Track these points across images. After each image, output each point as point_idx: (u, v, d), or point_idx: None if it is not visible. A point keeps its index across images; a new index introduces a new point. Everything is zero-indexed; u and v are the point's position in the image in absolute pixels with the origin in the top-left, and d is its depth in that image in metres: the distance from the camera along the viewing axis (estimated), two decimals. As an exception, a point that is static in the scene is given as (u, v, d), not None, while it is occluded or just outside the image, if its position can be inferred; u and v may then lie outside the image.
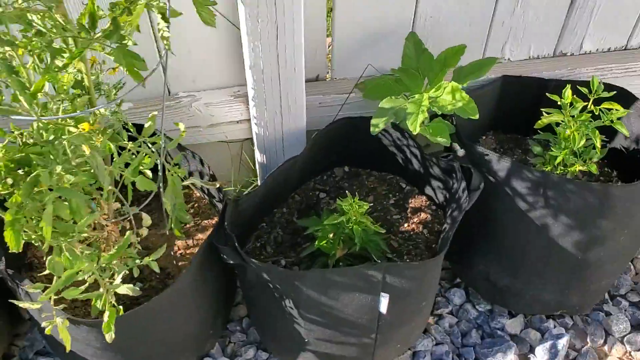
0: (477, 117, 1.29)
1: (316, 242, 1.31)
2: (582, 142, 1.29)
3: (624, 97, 1.53)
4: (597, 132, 1.29)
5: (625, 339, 1.54)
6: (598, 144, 1.29)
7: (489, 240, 1.49)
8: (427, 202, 1.52)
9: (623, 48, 1.66)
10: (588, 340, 1.54)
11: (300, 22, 1.22)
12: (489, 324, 1.58)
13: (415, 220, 1.50)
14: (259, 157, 1.50)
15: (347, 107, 1.55)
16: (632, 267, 1.70)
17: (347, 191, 1.55)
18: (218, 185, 1.29)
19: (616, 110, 1.30)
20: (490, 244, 1.49)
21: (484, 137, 1.69)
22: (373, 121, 1.35)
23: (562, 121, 1.32)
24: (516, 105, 1.64)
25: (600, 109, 1.30)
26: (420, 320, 1.41)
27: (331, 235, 1.30)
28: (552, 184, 1.30)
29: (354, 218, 1.26)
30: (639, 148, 1.53)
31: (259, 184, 1.62)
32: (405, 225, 1.50)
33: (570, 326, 1.57)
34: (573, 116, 1.31)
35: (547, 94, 1.52)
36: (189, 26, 1.27)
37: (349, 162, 1.60)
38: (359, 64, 1.53)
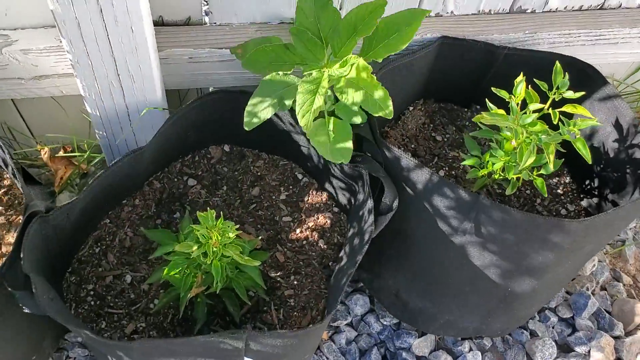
0: (391, 116, 0.91)
1: (164, 271, 0.95)
2: (532, 159, 0.94)
3: (589, 78, 1.18)
4: (551, 146, 0.94)
5: (549, 366, 1.30)
6: (551, 163, 0.94)
7: (402, 256, 1.17)
8: (328, 201, 1.17)
9: (599, 7, 1.28)
10: (506, 367, 1.30)
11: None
12: (393, 342, 1.30)
13: (310, 225, 1.15)
14: (99, 137, 1.08)
15: (234, 64, 1.13)
16: (566, 272, 1.44)
17: (224, 181, 1.17)
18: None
19: (581, 119, 0.95)
20: (402, 261, 1.17)
21: (411, 108, 1.32)
22: (250, 108, 0.96)
23: (506, 127, 0.96)
24: (455, 72, 1.26)
25: (560, 118, 0.95)
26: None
27: (185, 266, 0.94)
28: (482, 208, 0.96)
29: (215, 250, 0.90)
30: (595, 144, 1.21)
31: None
32: (298, 231, 1.15)
33: (488, 348, 1.32)
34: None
35: (495, 67, 1.17)
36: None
37: (230, 139, 1.20)
38: (252, 4, 1.09)
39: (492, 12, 1.23)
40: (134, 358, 0.85)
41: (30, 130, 1.36)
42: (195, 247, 0.89)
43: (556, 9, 1.25)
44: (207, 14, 1.10)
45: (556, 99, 0.97)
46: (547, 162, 0.97)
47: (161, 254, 0.97)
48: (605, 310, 1.40)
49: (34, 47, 1.04)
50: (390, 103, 0.90)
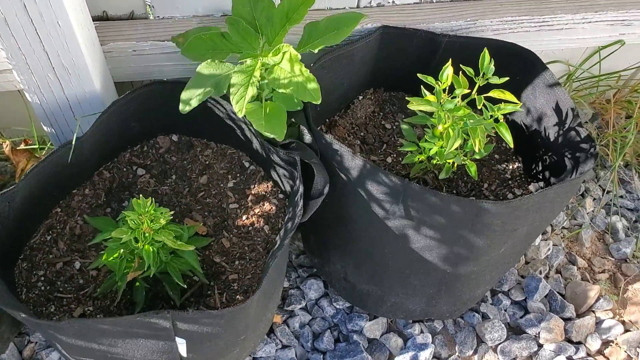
0: (319, 101, 0.94)
1: (103, 257, 0.99)
2: (457, 143, 0.97)
3: (530, 64, 1.20)
4: (477, 131, 0.96)
5: (499, 347, 1.33)
6: (477, 147, 0.97)
7: (345, 241, 1.20)
8: (274, 189, 1.20)
9: (543, -7, 1.29)
10: (456, 349, 1.32)
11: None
12: (346, 325, 1.34)
13: (256, 211, 1.19)
14: (46, 129, 1.12)
15: (179, 56, 1.16)
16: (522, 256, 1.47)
17: (173, 170, 1.21)
18: None
19: (505, 103, 0.97)
20: (346, 245, 1.21)
21: (360, 97, 1.34)
22: (184, 95, 0.99)
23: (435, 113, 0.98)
24: (400, 61, 1.28)
25: (484, 103, 0.97)
26: (247, 346, 1.14)
27: (121, 251, 0.98)
28: (412, 194, 0.99)
29: (147, 235, 0.94)
30: (539, 129, 1.23)
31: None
32: (244, 217, 1.18)
33: (439, 330, 1.35)
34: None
35: (438, 55, 1.19)
36: None
37: (178, 129, 1.23)
38: None
39: (434, 1, 1.25)
40: (68, 337, 0.89)
41: (-7, 124, 1.40)
42: (128, 233, 0.93)
43: (499, -5, 1.27)
44: (150, 8, 1.13)
45: (481, 85, 0.99)
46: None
47: (100, 240, 1.01)
48: (558, 292, 1.42)
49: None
50: (317, 87, 0.93)
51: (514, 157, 1.32)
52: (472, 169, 1.05)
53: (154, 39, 1.12)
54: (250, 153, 1.22)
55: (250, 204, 1.19)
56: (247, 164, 1.23)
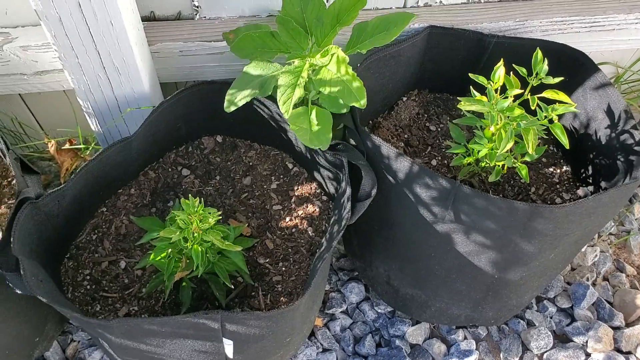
0: (363, 102, 0.92)
1: (151, 256, 0.99)
2: (509, 144, 0.94)
3: (580, 65, 1.17)
4: (531, 132, 0.94)
5: (544, 356, 1.29)
6: (530, 149, 0.94)
7: (390, 244, 1.18)
8: (317, 190, 1.19)
9: (592, -7, 1.26)
10: (501, 356, 1.29)
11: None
12: (387, 330, 1.32)
13: (300, 213, 1.18)
14: (93, 127, 1.12)
15: (224, 57, 1.16)
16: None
17: (217, 171, 1.21)
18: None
19: (559, 104, 0.95)
20: (390, 248, 1.19)
21: (404, 99, 1.33)
22: (230, 93, 0.99)
23: (486, 113, 0.96)
24: (447, 61, 1.26)
25: (538, 103, 0.94)
26: (291, 348, 1.13)
27: (169, 251, 0.98)
28: (463, 196, 0.97)
29: (196, 234, 0.93)
30: (589, 132, 1.20)
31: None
32: (288, 219, 1.17)
33: (483, 337, 1.32)
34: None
35: (486, 55, 1.17)
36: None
37: (222, 130, 1.23)
38: (239, -1, 1.13)
39: (481, 1, 1.23)
40: (116, 337, 0.89)
41: (39, 124, 1.42)
42: (177, 232, 0.93)
43: (549, -5, 1.24)
44: (196, 8, 1.14)
45: (534, 85, 0.97)
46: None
47: (148, 240, 1.01)
48: (606, 300, 1.38)
49: (32, 44, 1.09)
50: (364, 94, 0.92)
51: (561, 161, 1.29)
52: (524, 172, 1.02)
53: (200, 40, 1.12)
54: (294, 154, 1.21)
55: (293, 205, 1.19)
56: (290, 165, 1.22)
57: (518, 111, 0.93)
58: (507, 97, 0.96)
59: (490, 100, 0.96)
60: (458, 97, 1.35)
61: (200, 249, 0.94)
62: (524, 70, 0.97)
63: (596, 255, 1.43)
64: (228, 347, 0.94)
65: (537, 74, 0.97)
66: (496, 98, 0.95)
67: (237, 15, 1.16)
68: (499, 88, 0.98)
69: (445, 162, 1.25)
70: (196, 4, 1.13)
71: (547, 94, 0.96)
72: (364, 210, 1.00)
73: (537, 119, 0.94)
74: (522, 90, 0.97)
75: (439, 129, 1.31)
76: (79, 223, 1.12)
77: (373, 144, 1.03)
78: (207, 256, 0.96)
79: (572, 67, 1.18)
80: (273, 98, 1.05)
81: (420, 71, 1.28)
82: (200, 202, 0.93)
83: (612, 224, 1.51)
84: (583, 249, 1.44)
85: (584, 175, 1.24)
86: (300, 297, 0.89)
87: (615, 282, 1.42)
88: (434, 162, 1.25)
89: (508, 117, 0.94)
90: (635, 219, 1.52)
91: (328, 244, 0.98)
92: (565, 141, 0.94)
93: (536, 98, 0.95)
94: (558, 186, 1.26)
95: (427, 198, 1.01)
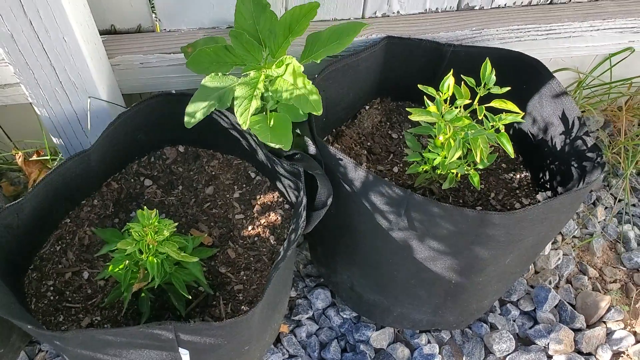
0: (320, 113, 0.94)
1: (109, 268, 1.00)
2: (458, 153, 0.97)
3: (536, 72, 1.19)
4: (479, 141, 0.96)
5: (507, 359, 1.32)
6: (478, 157, 0.96)
7: (351, 251, 1.20)
8: (280, 199, 1.21)
9: (548, 2, 1.29)
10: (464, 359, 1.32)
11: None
12: (353, 335, 1.33)
13: (262, 222, 1.19)
14: (55, 140, 1.14)
15: (185, 68, 1.17)
16: (530, 266, 1.46)
17: (179, 181, 1.22)
18: None
19: (507, 113, 0.97)
20: (352, 255, 1.21)
21: (367, 107, 1.35)
22: (189, 108, 1.00)
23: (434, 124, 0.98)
24: (406, 70, 1.29)
25: (485, 113, 0.97)
26: (252, 356, 1.14)
27: (126, 262, 0.99)
28: (415, 204, 0.99)
29: (151, 246, 0.95)
30: (546, 138, 1.22)
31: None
32: (250, 228, 1.19)
33: (446, 341, 1.34)
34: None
35: (444, 64, 1.20)
36: None
37: (184, 140, 1.24)
38: (200, 11, 1.13)
39: (439, 10, 1.25)
40: (72, 348, 0.90)
41: (7, 136, 1.43)
42: (132, 244, 0.94)
43: (504, 4, 1.26)
44: (157, 21, 1.15)
45: (482, 95, 0.99)
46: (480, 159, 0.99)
47: (106, 252, 1.02)
48: (568, 303, 1.41)
49: (-10, 57, 1.10)
50: (318, 99, 0.93)
51: (521, 167, 1.31)
52: (475, 179, 1.04)
53: (160, 52, 1.14)
54: (256, 164, 1.23)
55: (256, 214, 1.20)
56: (253, 175, 1.24)
57: (464, 121, 0.95)
58: (456, 107, 0.98)
59: (439, 111, 0.98)
60: (408, 108, 1.37)
61: (155, 261, 0.95)
62: (472, 80, 1.00)
63: (559, 259, 1.46)
64: (184, 356, 0.95)
65: (485, 84, 0.99)
66: (445, 108, 0.97)
67: (197, 27, 1.17)
68: (449, 98, 1.00)
69: (407, 169, 1.27)
70: (156, 16, 1.14)
71: (495, 103, 0.98)
72: (320, 219, 1.02)
73: (484, 128, 0.96)
74: (471, 100, 0.99)
75: (401, 137, 1.33)
76: (42, 234, 1.13)
77: (329, 153, 1.05)
78: (164, 267, 0.98)
79: (529, 74, 1.20)
80: (232, 110, 1.06)
81: (381, 80, 1.30)
82: (156, 214, 0.95)
83: (576, 226, 1.54)
84: (546, 252, 1.47)
85: (542, 180, 1.26)
86: (254, 307, 0.90)
87: (577, 285, 1.44)
88: (395, 170, 1.27)
89: (456, 127, 0.96)
90: (599, 222, 1.55)
91: (284, 254, 1.00)
92: (510, 150, 0.96)
93: (483, 108, 0.97)
94: (518, 191, 1.28)
95: (382, 206, 1.03)
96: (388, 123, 1.35)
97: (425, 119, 0.96)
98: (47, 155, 1.40)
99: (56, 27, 0.88)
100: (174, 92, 1.10)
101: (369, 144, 1.31)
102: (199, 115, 0.99)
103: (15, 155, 1.39)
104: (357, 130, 1.32)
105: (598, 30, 1.29)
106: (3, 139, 1.44)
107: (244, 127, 0.96)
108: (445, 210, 0.97)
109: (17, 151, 1.40)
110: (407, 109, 0.98)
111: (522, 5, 1.28)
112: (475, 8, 1.26)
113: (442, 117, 0.95)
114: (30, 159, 1.41)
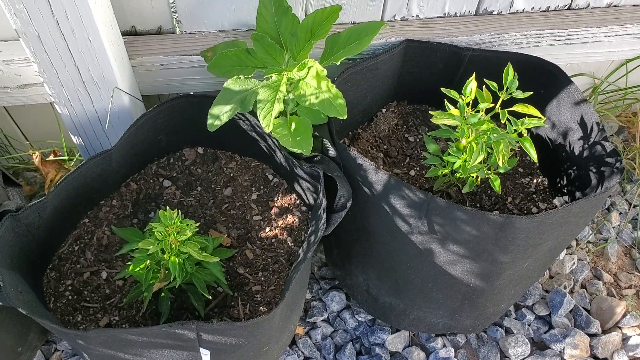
0: (345, 117, 0.95)
1: (130, 267, 1.00)
2: (480, 157, 0.97)
3: (554, 78, 1.20)
4: (501, 145, 0.96)
5: (522, 363, 1.32)
6: (501, 161, 0.97)
7: (368, 254, 1.20)
8: (297, 201, 1.21)
9: (566, 7, 1.29)
10: (479, 363, 1.32)
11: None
12: (368, 338, 1.33)
13: (280, 223, 1.20)
14: (75, 139, 1.14)
15: (205, 70, 1.18)
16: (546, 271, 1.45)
17: (198, 182, 1.23)
18: None
19: (529, 118, 0.97)
20: (369, 258, 1.21)
21: (384, 110, 1.35)
22: (213, 111, 1.01)
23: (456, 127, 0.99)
24: (424, 74, 1.29)
25: (507, 117, 0.97)
26: (269, 357, 1.15)
27: (148, 262, 0.99)
28: (436, 208, 0.99)
29: (173, 246, 0.95)
30: (564, 143, 1.22)
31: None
32: (268, 229, 1.19)
33: (461, 344, 1.34)
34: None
35: (463, 68, 1.20)
36: None
37: (203, 142, 1.25)
38: (220, 13, 1.14)
39: (457, 15, 1.26)
40: (94, 347, 0.90)
41: (24, 136, 1.44)
42: (154, 244, 0.94)
43: (523, 10, 1.27)
44: (177, 23, 1.16)
45: (504, 99, 0.99)
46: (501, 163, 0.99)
47: (127, 251, 1.03)
48: (583, 308, 1.40)
49: (15, 58, 1.10)
50: (343, 103, 0.94)
51: (538, 171, 1.31)
52: (496, 183, 1.05)
53: (180, 53, 1.14)
54: (274, 165, 1.23)
55: (273, 216, 1.20)
56: (270, 177, 1.24)
57: (487, 125, 0.95)
58: (478, 111, 0.99)
59: (461, 114, 0.98)
60: (431, 111, 1.37)
61: (177, 261, 0.96)
62: (495, 84, 1.00)
63: (574, 263, 1.46)
64: (205, 356, 0.95)
65: (507, 88, 1.00)
66: (467, 112, 0.98)
67: (217, 30, 1.18)
68: (471, 102, 1.00)
69: (424, 172, 1.27)
70: (177, 17, 1.15)
71: (517, 107, 0.99)
72: (340, 221, 1.02)
73: (507, 132, 0.97)
74: (494, 104, 0.99)
75: (418, 140, 1.33)
76: (61, 234, 1.14)
77: (349, 156, 1.05)
78: (185, 267, 0.98)
79: (547, 80, 1.20)
80: (254, 112, 1.07)
81: (399, 83, 1.30)
82: (178, 214, 0.95)
83: (590, 232, 1.53)
84: (561, 257, 1.47)
85: (559, 185, 1.27)
86: (275, 308, 0.90)
87: (592, 290, 1.44)
88: (412, 173, 1.27)
89: (478, 130, 0.96)
90: (613, 227, 1.55)
91: (304, 255, 1.00)
92: (534, 155, 0.96)
93: (506, 112, 0.98)
94: (534, 196, 1.28)
95: (402, 209, 1.03)
96: (405, 126, 1.35)
97: (448, 122, 0.96)
98: (64, 156, 1.41)
99: (82, 28, 0.89)
100: (192, 93, 1.10)
101: (385, 147, 1.31)
102: (224, 118, 1.00)
103: (33, 155, 1.40)
104: (373, 133, 1.32)
105: (616, 35, 1.29)
106: (20, 138, 1.45)
107: (267, 131, 0.96)
108: (468, 214, 0.97)
109: (34, 151, 1.41)
110: (429, 112, 0.98)
111: (541, 11, 1.28)
112: (493, 13, 1.27)
113: (465, 120, 0.95)
114: (47, 159, 1.41)
